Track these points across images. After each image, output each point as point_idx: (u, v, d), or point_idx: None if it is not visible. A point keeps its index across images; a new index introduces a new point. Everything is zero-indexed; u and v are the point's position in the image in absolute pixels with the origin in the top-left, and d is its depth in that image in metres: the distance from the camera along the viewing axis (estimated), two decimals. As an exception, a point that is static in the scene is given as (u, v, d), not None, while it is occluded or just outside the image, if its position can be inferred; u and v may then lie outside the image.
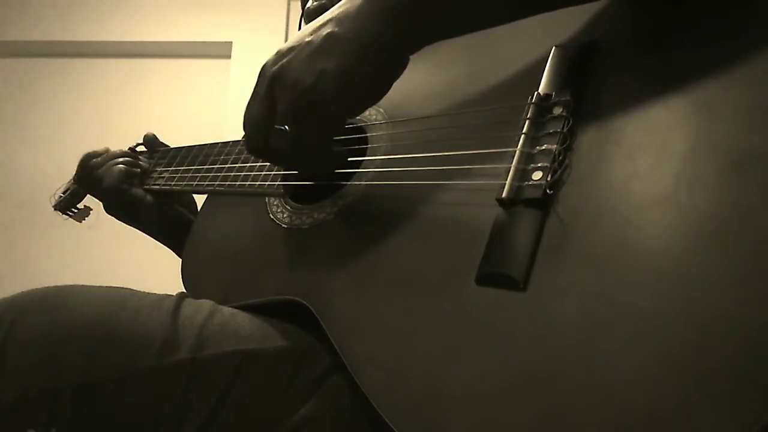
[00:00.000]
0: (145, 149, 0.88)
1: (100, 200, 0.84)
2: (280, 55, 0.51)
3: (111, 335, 0.48)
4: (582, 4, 0.50)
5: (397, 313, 0.46)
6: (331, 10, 0.51)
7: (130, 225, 0.84)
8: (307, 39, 0.50)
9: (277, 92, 0.51)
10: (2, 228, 1.94)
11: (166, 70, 2.06)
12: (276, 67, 0.51)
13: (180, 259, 0.72)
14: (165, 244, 0.86)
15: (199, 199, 0.78)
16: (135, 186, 0.80)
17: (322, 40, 0.49)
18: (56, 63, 2.08)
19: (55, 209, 0.96)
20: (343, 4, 0.50)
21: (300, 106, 0.49)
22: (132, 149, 0.88)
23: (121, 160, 0.82)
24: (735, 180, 0.36)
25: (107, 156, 0.84)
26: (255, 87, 0.53)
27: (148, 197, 0.80)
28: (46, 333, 0.47)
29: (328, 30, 0.49)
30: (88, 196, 0.93)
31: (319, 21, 0.51)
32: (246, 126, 0.54)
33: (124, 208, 0.81)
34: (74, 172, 0.95)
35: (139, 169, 0.82)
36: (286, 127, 0.51)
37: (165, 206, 0.81)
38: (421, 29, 0.49)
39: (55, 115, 2.04)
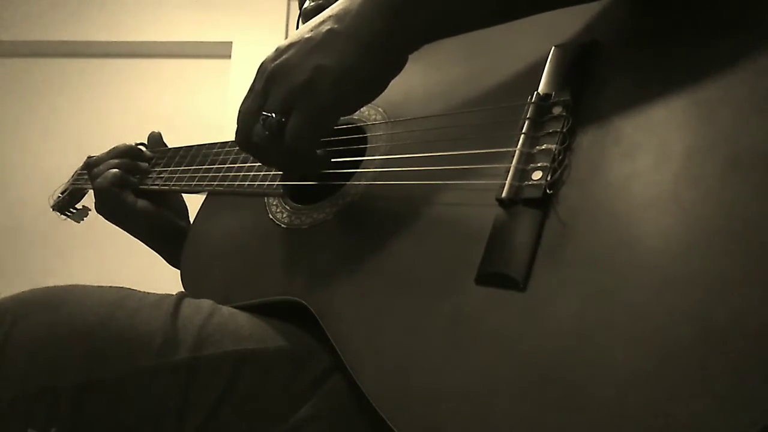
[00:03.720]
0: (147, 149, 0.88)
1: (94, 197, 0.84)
2: (279, 51, 0.51)
3: (111, 335, 0.48)
4: (582, 3, 0.50)
5: (397, 313, 0.46)
6: (331, 7, 0.51)
7: (121, 228, 0.84)
8: (306, 35, 0.50)
9: (274, 86, 0.50)
10: (2, 228, 1.94)
11: (166, 70, 2.06)
12: (274, 63, 0.50)
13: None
14: (155, 250, 0.86)
15: (197, 200, 0.78)
16: (128, 191, 0.79)
17: (321, 37, 0.49)
18: (56, 63, 2.08)
19: (53, 209, 0.96)
20: (343, 2, 0.50)
21: (293, 98, 0.49)
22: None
23: (118, 162, 0.81)
24: (734, 180, 0.36)
25: (113, 152, 0.83)
26: (252, 83, 0.53)
27: (140, 203, 0.79)
28: (46, 333, 0.47)
29: (328, 27, 0.49)
30: (87, 196, 0.93)
31: (319, 18, 0.51)
32: (238, 119, 0.54)
33: (113, 211, 0.80)
34: (73, 172, 0.95)
35: (136, 177, 0.81)
36: (273, 114, 0.50)
37: (156, 213, 0.80)
38: (421, 28, 0.49)
39: (55, 115, 2.04)
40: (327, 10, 0.51)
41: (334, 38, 0.48)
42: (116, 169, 0.79)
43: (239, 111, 0.54)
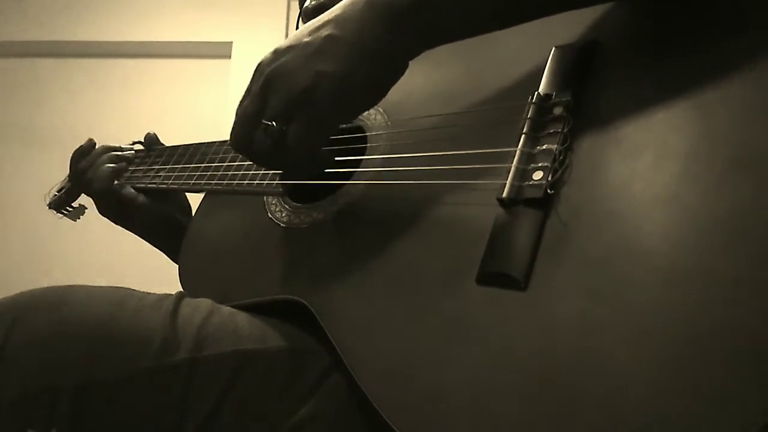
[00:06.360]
0: (144, 148, 0.88)
1: (93, 201, 0.84)
2: (277, 53, 0.51)
3: (111, 335, 0.48)
4: (583, 7, 0.50)
5: (397, 312, 0.46)
6: (329, 11, 0.50)
7: (123, 226, 0.84)
8: (305, 39, 0.49)
9: (272, 90, 0.50)
10: (2, 227, 1.94)
11: (166, 70, 2.06)
12: (273, 66, 0.50)
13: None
14: (157, 247, 0.86)
15: (196, 199, 0.78)
16: (126, 185, 0.80)
17: (321, 42, 0.48)
18: (56, 63, 2.08)
19: (49, 207, 0.95)
20: (342, 6, 0.49)
21: (294, 105, 0.49)
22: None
23: (106, 157, 0.81)
24: (735, 180, 0.36)
25: (94, 155, 0.83)
26: (249, 83, 0.53)
27: (140, 198, 0.79)
28: (46, 333, 0.47)
29: (328, 32, 0.48)
30: (84, 194, 0.92)
31: (317, 21, 0.50)
32: (235, 121, 0.53)
33: (116, 209, 0.80)
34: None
35: (126, 162, 0.82)
36: (274, 123, 0.50)
37: (157, 207, 0.81)
38: (423, 34, 0.49)
39: (55, 115, 2.04)
40: (325, 14, 0.50)
41: (334, 44, 0.48)
42: (109, 165, 0.79)
43: (236, 113, 0.53)
